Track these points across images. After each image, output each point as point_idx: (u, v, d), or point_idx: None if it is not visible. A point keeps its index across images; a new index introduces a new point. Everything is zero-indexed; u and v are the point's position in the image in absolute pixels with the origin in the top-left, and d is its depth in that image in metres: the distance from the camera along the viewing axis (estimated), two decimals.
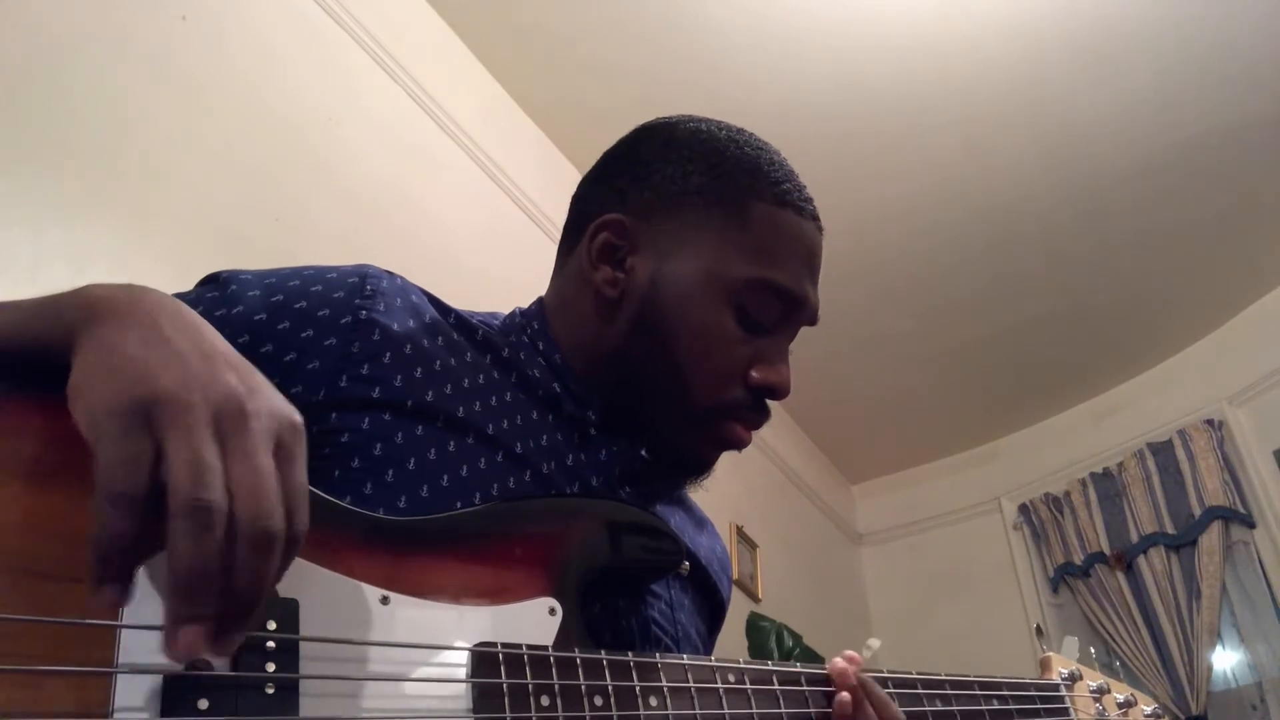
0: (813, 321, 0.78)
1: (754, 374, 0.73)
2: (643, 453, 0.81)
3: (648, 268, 0.74)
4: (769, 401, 0.76)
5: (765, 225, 0.74)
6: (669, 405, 0.74)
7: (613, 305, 0.75)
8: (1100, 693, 1.03)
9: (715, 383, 0.73)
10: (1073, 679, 1.01)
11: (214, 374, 0.43)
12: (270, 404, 0.44)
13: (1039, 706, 0.93)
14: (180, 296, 0.67)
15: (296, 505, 0.43)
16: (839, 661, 0.72)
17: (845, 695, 0.69)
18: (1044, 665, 1.02)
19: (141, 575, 0.41)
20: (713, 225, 0.74)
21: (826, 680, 0.72)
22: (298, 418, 0.45)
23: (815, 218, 0.78)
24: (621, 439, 0.77)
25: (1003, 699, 0.89)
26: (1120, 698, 1.04)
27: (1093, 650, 1.09)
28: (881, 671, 0.77)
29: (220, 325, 0.62)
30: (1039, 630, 1.08)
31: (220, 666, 0.44)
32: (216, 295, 0.66)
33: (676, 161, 0.77)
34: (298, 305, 0.66)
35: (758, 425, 0.76)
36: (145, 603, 0.41)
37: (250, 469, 0.41)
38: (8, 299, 0.55)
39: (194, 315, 0.48)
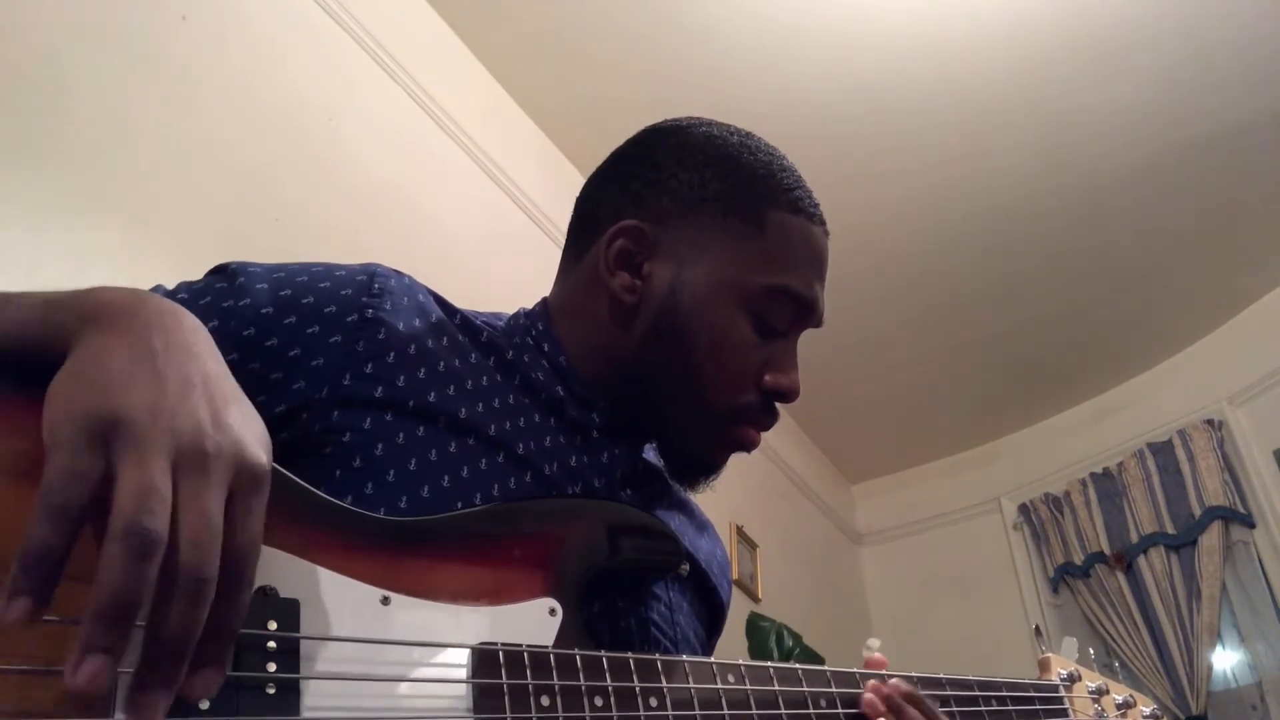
0: (819, 324, 0.79)
1: (767, 378, 0.75)
2: (646, 455, 0.81)
3: (665, 274, 0.75)
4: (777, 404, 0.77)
5: (781, 232, 0.75)
6: (684, 409, 0.75)
7: (630, 311, 0.75)
8: (1099, 693, 1.03)
9: (731, 387, 0.74)
10: (1071, 680, 1.01)
11: (186, 405, 0.42)
12: (236, 447, 0.42)
13: (1038, 707, 0.93)
14: (189, 285, 0.67)
15: (244, 556, 0.41)
16: (868, 695, 0.72)
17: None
18: (1043, 666, 1.02)
19: None
20: (730, 232, 0.75)
21: (826, 680, 0.72)
22: (263, 466, 0.44)
23: (824, 222, 0.79)
24: (624, 442, 0.77)
25: (1001, 700, 0.89)
26: (1119, 698, 1.04)
27: (1091, 651, 1.09)
28: (881, 672, 0.77)
29: (227, 316, 0.63)
30: (1038, 630, 1.08)
31: None
32: (225, 286, 0.66)
33: (692, 167, 0.77)
34: (305, 301, 0.66)
35: (768, 427, 0.78)
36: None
37: (197, 514, 0.39)
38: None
39: (190, 330, 0.48)
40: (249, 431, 0.45)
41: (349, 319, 0.66)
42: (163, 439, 0.40)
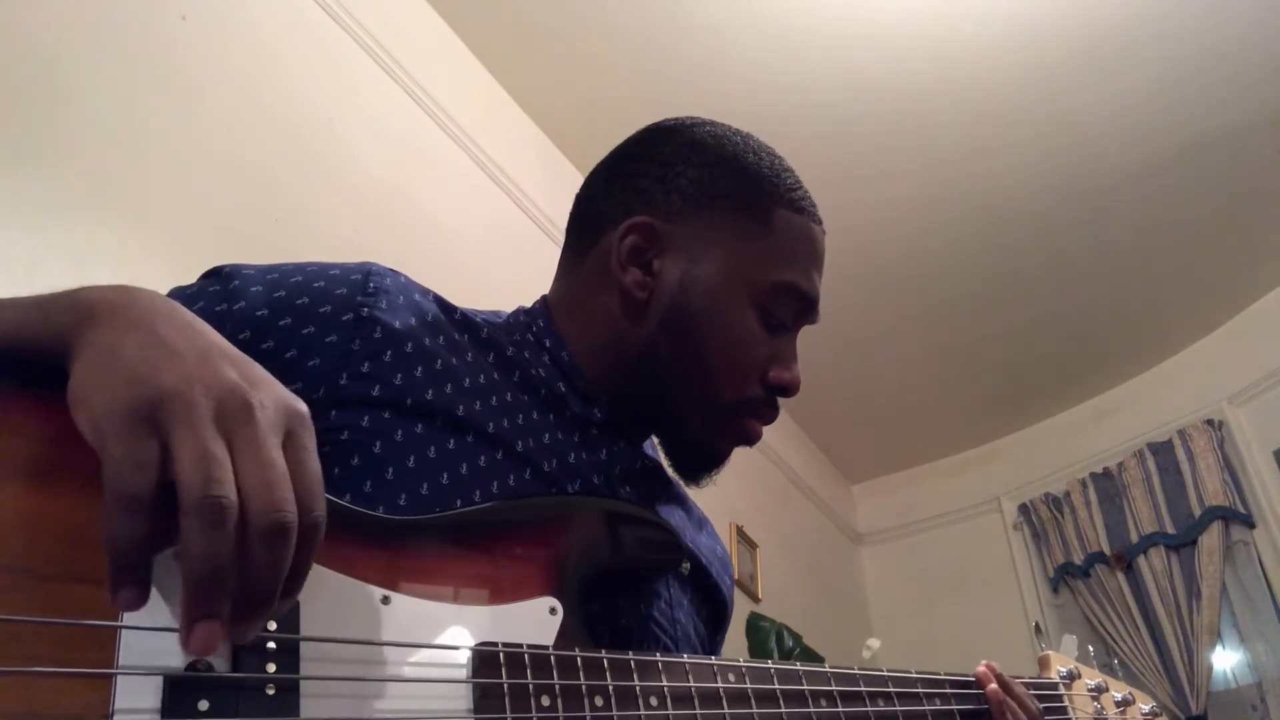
0: (817, 320, 0.81)
1: (771, 373, 0.77)
2: (647, 450, 0.82)
3: (676, 270, 0.76)
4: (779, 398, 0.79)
5: (787, 231, 0.78)
6: (694, 403, 0.76)
7: (641, 307, 0.76)
8: (1098, 691, 1.03)
9: (740, 381, 0.76)
10: (1071, 677, 1.01)
11: (214, 370, 0.43)
12: (274, 395, 0.44)
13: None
14: (181, 290, 0.67)
15: (313, 492, 0.42)
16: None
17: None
18: (1042, 663, 1.02)
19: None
20: (739, 229, 0.77)
21: (827, 679, 0.72)
22: (303, 407, 0.45)
23: (821, 221, 0.82)
24: (622, 438, 0.77)
25: None
26: (1118, 696, 1.04)
27: (1091, 649, 1.09)
28: (881, 670, 0.77)
29: (221, 320, 0.62)
30: (1038, 628, 1.08)
31: (221, 667, 0.44)
32: (218, 290, 0.66)
33: (701, 165, 0.79)
34: (300, 301, 0.66)
35: (770, 420, 0.80)
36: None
37: (259, 461, 0.41)
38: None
39: (188, 313, 0.48)
40: (278, 383, 0.46)
41: (344, 318, 0.66)
42: (205, 405, 0.41)
